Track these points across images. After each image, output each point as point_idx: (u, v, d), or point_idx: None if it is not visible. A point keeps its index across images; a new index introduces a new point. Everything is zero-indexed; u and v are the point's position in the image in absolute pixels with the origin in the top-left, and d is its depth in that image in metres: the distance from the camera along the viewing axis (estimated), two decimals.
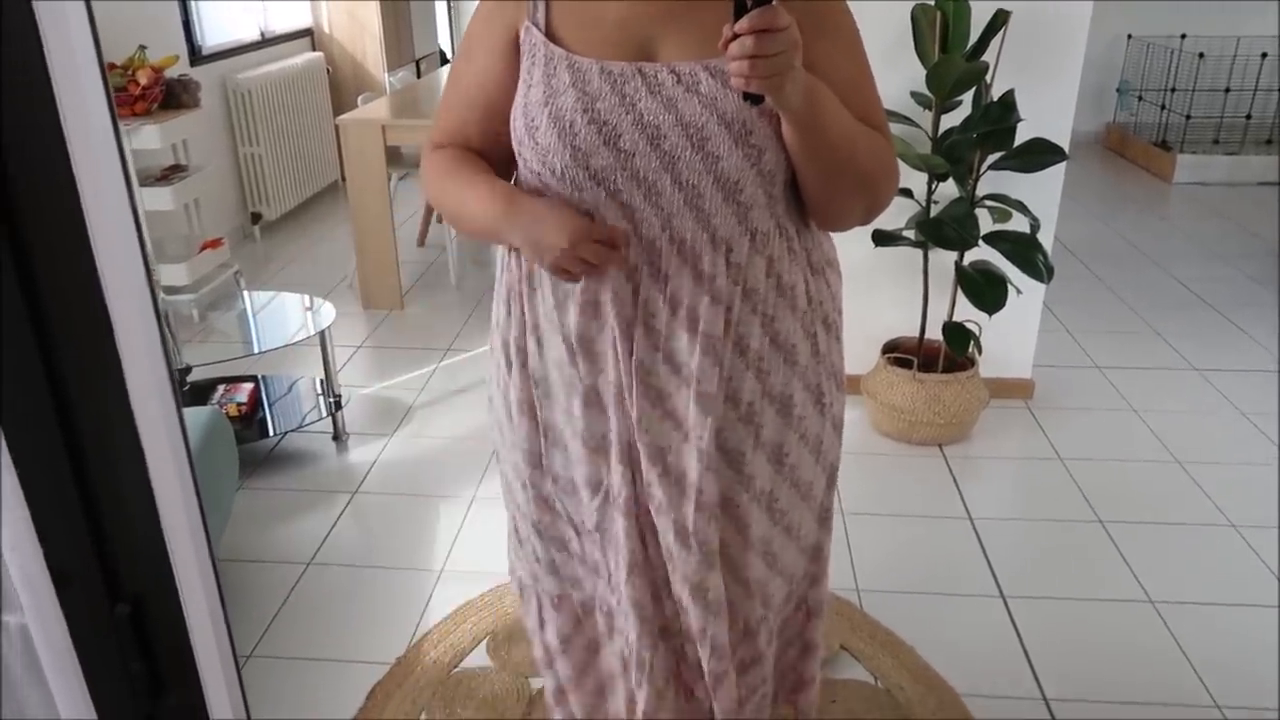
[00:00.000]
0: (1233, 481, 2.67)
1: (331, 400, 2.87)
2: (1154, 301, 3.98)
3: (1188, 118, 5.97)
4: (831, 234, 1.29)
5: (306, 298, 3.04)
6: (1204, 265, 4.41)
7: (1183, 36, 6.08)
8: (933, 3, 2.58)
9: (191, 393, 2.89)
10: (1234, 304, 3.94)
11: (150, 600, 0.75)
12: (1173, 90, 6.15)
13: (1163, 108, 6.19)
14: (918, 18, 2.60)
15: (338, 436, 2.90)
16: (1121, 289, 4.12)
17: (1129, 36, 6.54)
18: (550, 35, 1.15)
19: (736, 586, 1.31)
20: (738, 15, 0.93)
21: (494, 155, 1.22)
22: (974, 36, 2.58)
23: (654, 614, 1.31)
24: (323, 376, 2.92)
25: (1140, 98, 6.46)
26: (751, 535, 1.28)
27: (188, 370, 2.85)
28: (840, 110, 1.08)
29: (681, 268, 1.15)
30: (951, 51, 2.56)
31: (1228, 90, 6.04)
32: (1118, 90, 6.68)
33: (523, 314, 1.24)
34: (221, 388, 2.89)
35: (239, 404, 2.80)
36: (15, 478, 0.65)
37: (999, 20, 2.55)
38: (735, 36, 0.94)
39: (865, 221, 1.22)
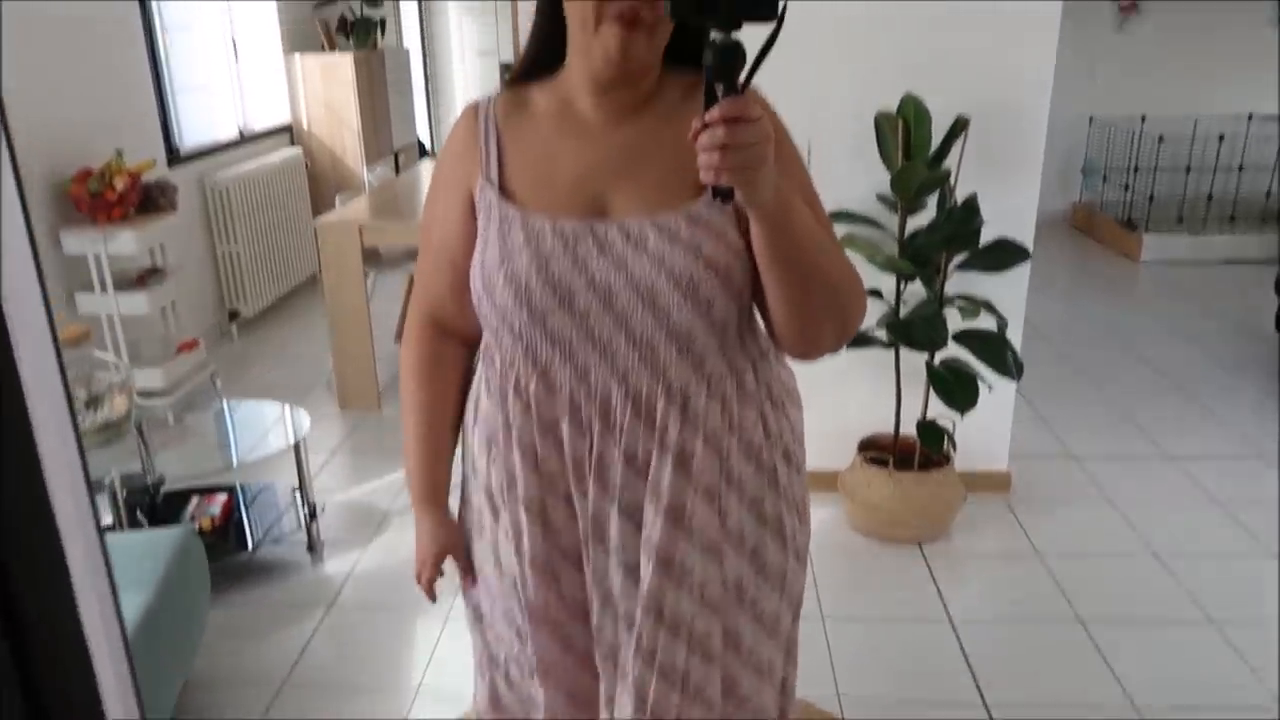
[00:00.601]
0: (1212, 576, 2.67)
1: (306, 511, 2.85)
2: (1125, 385, 4.03)
3: (1151, 198, 6.12)
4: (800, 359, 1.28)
5: (283, 406, 3.03)
6: (1173, 346, 4.48)
7: (1143, 118, 6.26)
8: (894, 110, 2.65)
9: (166, 503, 2.86)
10: (1203, 387, 3.99)
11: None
12: (1136, 170, 6.31)
13: (1126, 188, 6.35)
14: (880, 124, 2.67)
15: (312, 547, 2.87)
16: (1093, 372, 4.17)
17: (1090, 119, 6.73)
18: (504, 192, 1.18)
19: None
20: (708, 104, 0.89)
21: (473, 322, 1.24)
22: (936, 140, 2.65)
23: None
24: (298, 485, 2.90)
25: (1105, 178, 6.63)
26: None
27: (161, 482, 2.83)
28: (807, 213, 1.06)
29: (636, 422, 1.16)
30: (915, 157, 2.63)
31: (1189, 170, 6.20)
32: (1082, 171, 6.86)
33: (503, 463, 1.25)
34: (196, 499, 2.86)
35: (213, 516, 2.77)
36: None
37: (959, 126, 2.62)
38: (706, 126, 0.89)
39: (837, 346, 1.18)
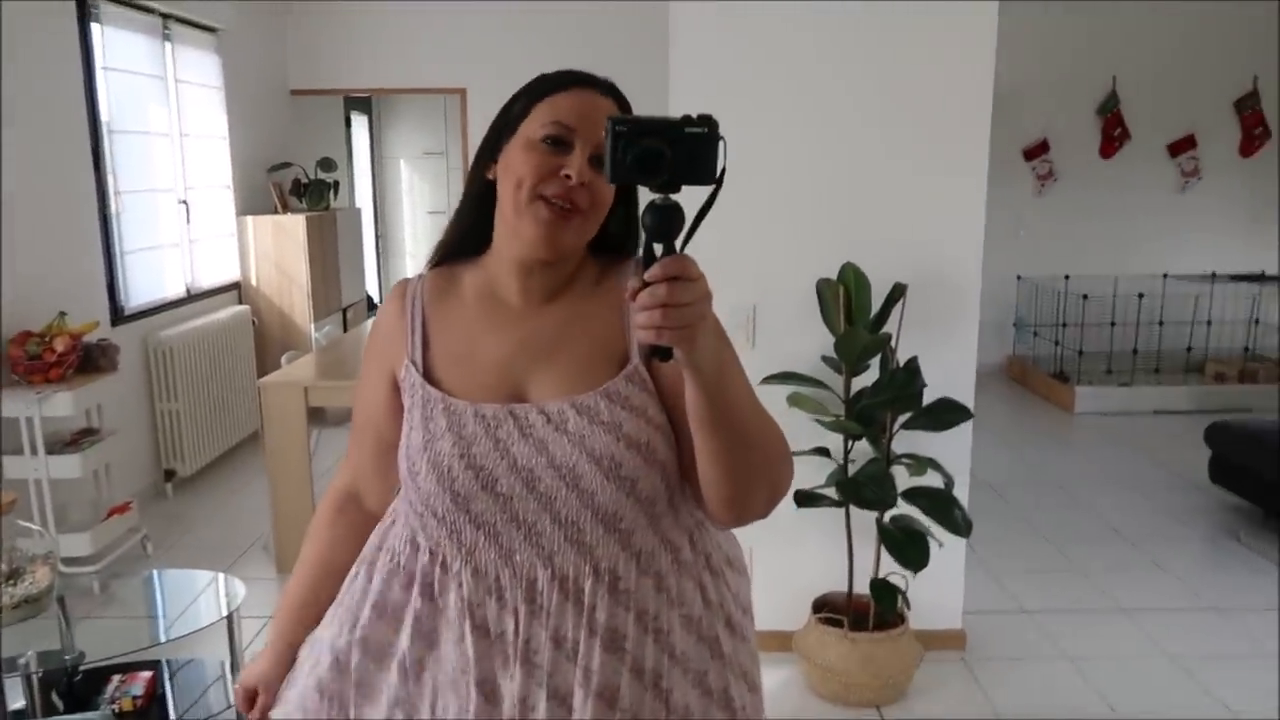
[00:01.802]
0: None
1: (237, 688, 2.69)
2: (1071, 535, 4.06)
3: (1080, 352, 6.36)
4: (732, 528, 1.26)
5: (216, 575, 2.90)
6: (1116, 495, 4.55)
7: (1066, 277, 6.57)
8: (835, 278, 2.75)
9: (84, 681, 2.68)
10: (1150, 537, 4.04)
11: None
12: (1064, 326, 6.57)
13: (1056, 343, 6.60)
14: (822, 291, 2.76)
15: None
16: (1040, 522, 4.21)
17: (1018, 277, 7.05)
18: (428, 375, 1.19)
19: None
20: (647, 264, 0.88)
21: (380, 506, 1.30)
22: (876, 306, 2.74)
23: None
24: (228, 659, 2.75)
25: (1035, 333, 6.88)
26: None
27: (80, 659, 2.66)
28: (742, 374, 1.04)
29: (564, 603, 1.13)
30: (856, 322, 2.71)
31: (1113, 324, 6.48)
32: (1014, 325, 7.12)
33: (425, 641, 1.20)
34: (117, 678, 2.68)
35: (134, 698, 2.60)
36: None
37: (896, 292, 2.72)
38: (644, 285, 0.87)
39: (767, 510, 1.12)
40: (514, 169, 1.12)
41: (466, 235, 1.23)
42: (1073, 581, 3.64)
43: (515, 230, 1.12)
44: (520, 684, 1.13)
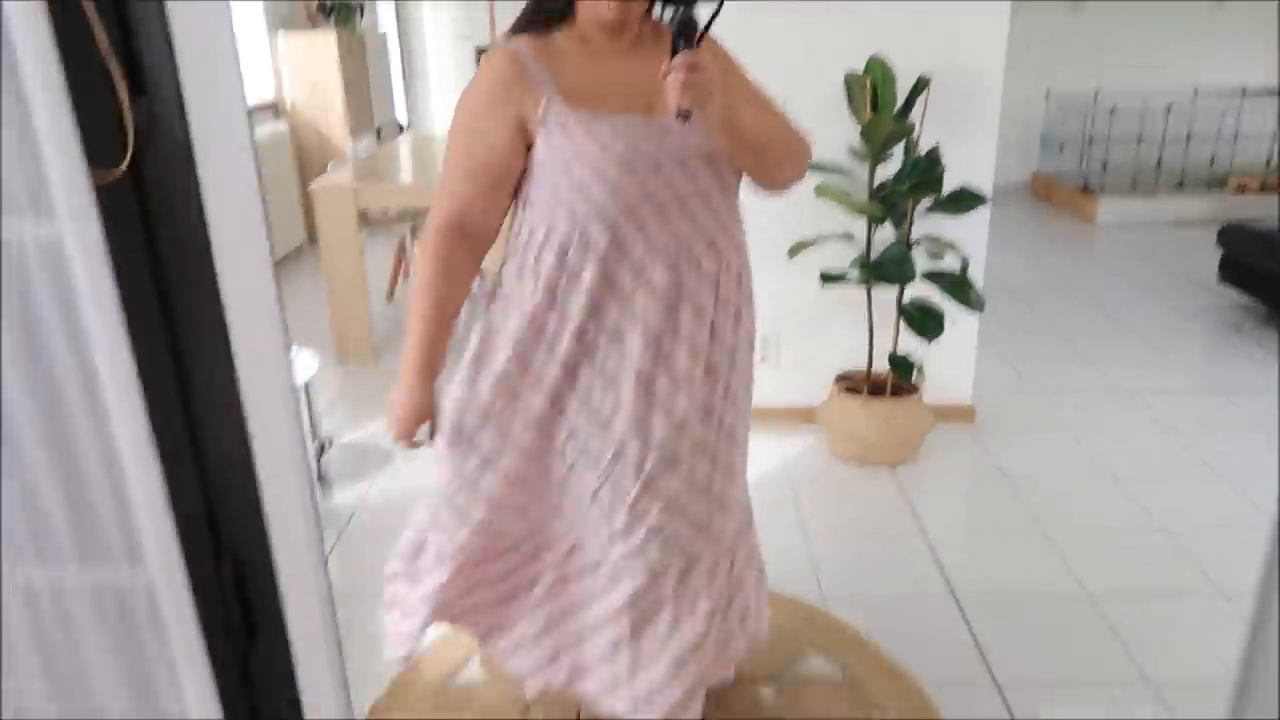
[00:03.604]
0: (1165, 494, 2.91)
1: (316, 444, 3.01)
2: (1083, 330, 4.29)
3: (1104, 166, 6.41)
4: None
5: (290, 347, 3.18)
6: (1127, 297, 4.75)
7: (1096, 92, 6.54)
8: (862, 70, 2.86)
9: None
10: (1156, 331, 4.25)
11: (250, 563, 0.91)
12: (1091, 141, 6.59)
13: (1082, 157, 6.63)
14: (850, 83, 2.88)
15: (323, 480, 3.04)
16: (1053, 319, 4.43)
17: (1048, 93, 7.01)
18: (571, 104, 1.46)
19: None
20: (674, 54, 1.30)
21: (494, 223, 1.54)
22: (900, 98, 2.86)
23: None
24: (308, 421, 3.06)
25: (1061, 149, 6.90)
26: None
27: None
28: (749, 112, 1.48)
29: (693, 271, 1.51)
30: (881, 112, 2.84)
31: (1139, 140, 6.49)
32: (1041, 141, 7.13)
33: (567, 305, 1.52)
34: None
35: None
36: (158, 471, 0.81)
37: (920, 84, 2.83)
38: (670, 71, 1.30)
39: (799, 178, 1.60)
40: None
41: (542, 8, 1.49)
42: (1079, 368, 3.88)
43: (594, 7, 1.44)
44: (662, 338, 1.52)
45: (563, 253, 1.48)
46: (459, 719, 2.07)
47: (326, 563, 0.94)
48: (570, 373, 1.53)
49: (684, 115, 1.32)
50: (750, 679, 2.14)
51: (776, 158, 1.55)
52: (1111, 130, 6.40)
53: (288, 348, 0.83)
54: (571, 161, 1.44)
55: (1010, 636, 2.28)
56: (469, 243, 1.54)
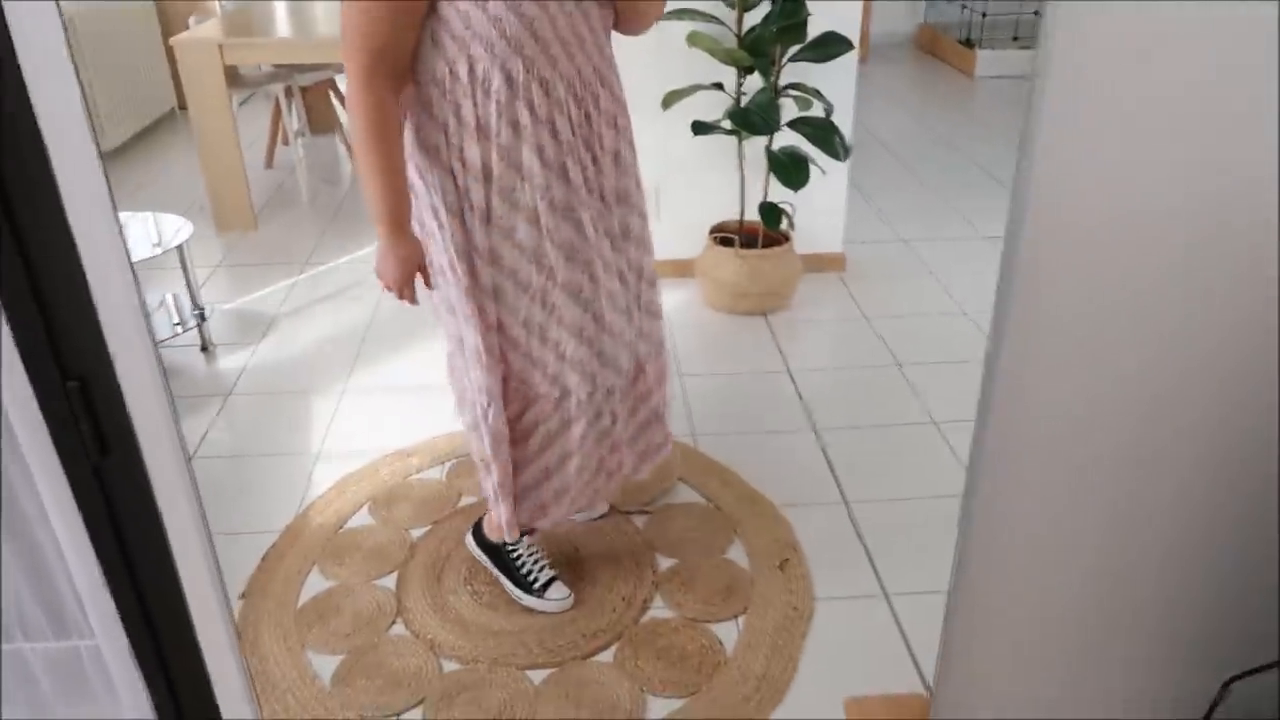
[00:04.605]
0: None
1: (196, 313, 3.00)
2: (956, 183, 4.45)
3: (984, 16, 6.49)
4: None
5: (161, 215, 3.12)
6: (1003, 151, 4.92)
7: None
8: None
9: None
10: None
11: (94, 378, 0.97)
12: None
13: (963, 7, 6.69)
14: None
15: (205, 348, 3.04)
16: (927, 174, 4.58)
17: None
18: None
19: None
20: None
21: (408, 64, 1.56)
22: None
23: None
24: (179, 292, 3.04)
25: None
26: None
27: None
28: None
29: (600, 89, 1.66)
30: None
31: None
32: None
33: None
34: None
35: None
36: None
37: None
38: None
39: (659, 15, 1.75)
40: None
41: None
42: (949, 218, 4.05)
43: None
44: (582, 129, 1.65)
45: (486, 85, 1.53)
46: (348, 562, 2.18)
47: (166, 378, 1.00)
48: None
49: None
50: (623, 511, 2.31)
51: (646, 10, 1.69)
52: None
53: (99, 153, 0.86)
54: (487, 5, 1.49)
55: (862, 462, 2.48)
56: (394, 82, 1.55)
